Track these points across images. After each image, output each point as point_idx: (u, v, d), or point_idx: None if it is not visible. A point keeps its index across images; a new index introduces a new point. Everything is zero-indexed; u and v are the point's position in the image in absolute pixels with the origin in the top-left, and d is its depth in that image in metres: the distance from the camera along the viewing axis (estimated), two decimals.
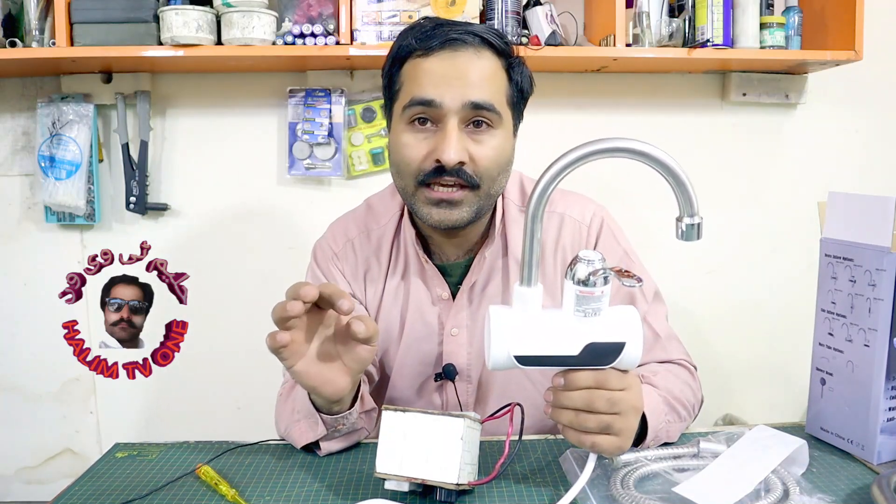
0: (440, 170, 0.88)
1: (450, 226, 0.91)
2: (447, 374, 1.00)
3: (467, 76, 0.88)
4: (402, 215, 1.03)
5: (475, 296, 1.01)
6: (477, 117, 0.89)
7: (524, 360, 0.71)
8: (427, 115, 0.89)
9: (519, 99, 0.96)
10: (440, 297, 1.01)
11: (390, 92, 0.95)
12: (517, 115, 0.97)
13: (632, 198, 1.79)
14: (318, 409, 0.85)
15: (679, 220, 0.70)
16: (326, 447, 0.88)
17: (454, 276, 1.02)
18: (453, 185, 0.89)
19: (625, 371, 0.73)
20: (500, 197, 1.01)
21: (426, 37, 0.89)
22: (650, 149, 0.67)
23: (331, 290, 0.75)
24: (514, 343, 0.71)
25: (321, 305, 0.78)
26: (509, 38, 0.95)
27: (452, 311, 1.00)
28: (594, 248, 1.01)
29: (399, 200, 1.04)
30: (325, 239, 1.08)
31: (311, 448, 0.89)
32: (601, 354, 0.72)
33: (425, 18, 0.94)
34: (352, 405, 0.86)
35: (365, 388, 0.93)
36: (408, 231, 1.01)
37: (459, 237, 0.99)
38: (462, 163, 0.88)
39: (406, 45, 0.91)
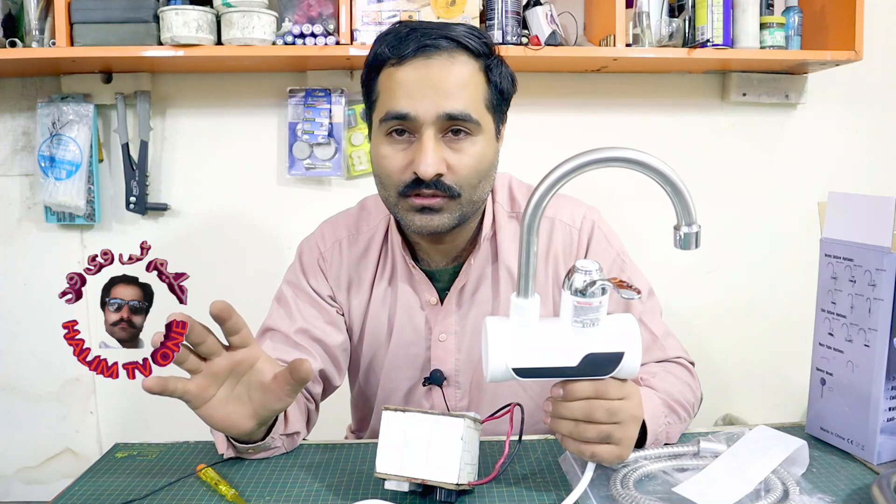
0: (418, 181, 0.86)
1: (432, 231, 0.89)
2: (434, 379, 1.00)
3: (441, 85, 0.85)
4: (390, 219, 1.02)
5: (464, 301, 0.99)
6: (454, 126, 0.86)
7: (522, 373, 0.71)
8: (403, 126, 0.87)
9: (499, 101, 0.92)
10: (428, 302, 1.00)
11: (368, 101, 0.93)
12: (498, 118, 0.93)
13: (630, 197, 1.79)
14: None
15: (677, 228, 0.69)
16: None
17: (442, 282, 1.00)
18: (433, 195, 0.88)
19: (624, 380, 0.73)
20: (490, 201, 0.99)
21: (399, 44, 0.86)
22: (647, 158, 0.66)
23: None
24: (512, 355, 0.71)
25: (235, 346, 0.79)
26: (488, 37, 0.91)
27: (440, 316, 0.99)
28: (586, 252, 0.99)
29: None
30: (314, 237, 1.07)
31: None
32: (600, 365, 0.71)
33: (399, 23, 0.91)
34: (266, 435, 0.84)
35: (295, 412, 0.90)
36: (395, 237, 0.99)
37: (446, 244, 0.97)
38: (440, 175, 0.86)
39: (380, 53, 0.88)
